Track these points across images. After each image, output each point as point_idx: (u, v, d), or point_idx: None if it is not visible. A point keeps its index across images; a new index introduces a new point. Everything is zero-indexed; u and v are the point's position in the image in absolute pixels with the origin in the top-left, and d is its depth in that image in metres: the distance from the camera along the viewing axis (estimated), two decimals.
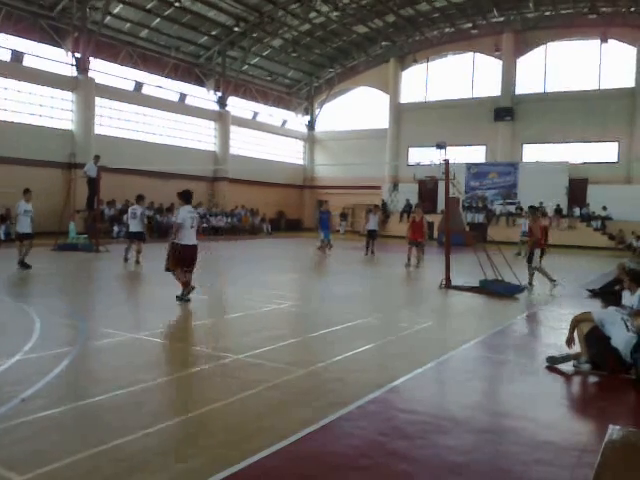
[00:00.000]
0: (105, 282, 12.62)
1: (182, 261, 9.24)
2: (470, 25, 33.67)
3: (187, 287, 9.21)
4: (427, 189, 30.90)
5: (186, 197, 9.55)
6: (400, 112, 37.28)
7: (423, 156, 33.42)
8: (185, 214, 9.27)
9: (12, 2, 23.39)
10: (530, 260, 12.32)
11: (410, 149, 36.79)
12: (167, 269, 9.38)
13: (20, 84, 23.94)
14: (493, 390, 5.68)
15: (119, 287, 11.78)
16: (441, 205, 29.42)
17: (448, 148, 28.99)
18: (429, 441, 4.07)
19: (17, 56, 23.92)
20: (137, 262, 14.51)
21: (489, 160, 34.05)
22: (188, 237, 9.28)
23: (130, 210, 15.57)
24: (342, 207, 37.02)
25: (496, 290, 11.02)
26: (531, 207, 13.59)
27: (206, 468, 3.50)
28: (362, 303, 10.32)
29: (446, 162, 12.34)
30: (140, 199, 15.17)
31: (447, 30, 34.99)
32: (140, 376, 5.26)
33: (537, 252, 12.36)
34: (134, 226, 14.99)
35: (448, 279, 11.86)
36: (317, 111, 41.35)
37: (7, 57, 23.67)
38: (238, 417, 4.40)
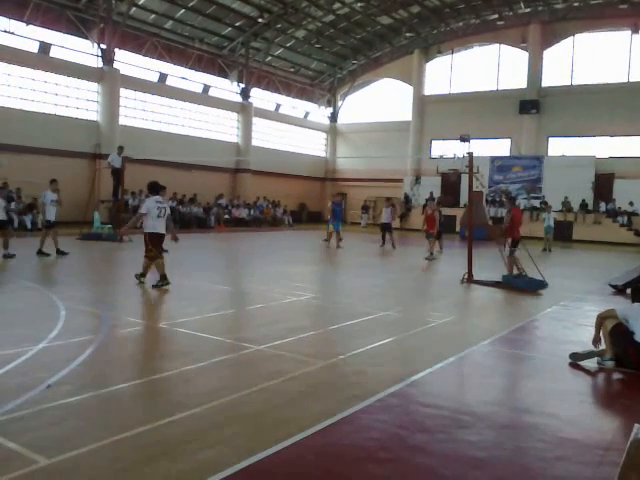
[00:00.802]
0: (128, 271, 12.74)
1: (157, 246, 9.80)
2: (496, 16, 33.17)
3: (145, 272, 9.85)
4: (450, 182, 30.56)
5: (152, 188, 10.14)
6: (424, 104, 36.96)
7: (446, 149, 33.09)
8: (150, 204, 9.85)
9: None
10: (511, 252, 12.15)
11: (433, 142, 36.47)
12: (151, 257, 9.78)
13: (47, 75, 24.25)
14: (514, 386, 5.63)
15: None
16: (464, 199, 29.15)
17: (472, 141, 28.68)
18: (449, 435, 4.06)
19: (44, 47, 24.24)
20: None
21: (513, 153, 33.60)
22: (154, 226, 9.80)
23: None
24: (364, 200, 36.91)
25: (519, 285, 10.90)
26: (510, 198, 13.74)
27: (227, 457, 3.54)
28: (382, 296, 10.29)
29: (470, 155, 12.21)
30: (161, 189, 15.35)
31: (472, 21, 34.51)
32: (162, 365, 5.33)
33: (508, 241, 12.21)
34: None
35: (470, 273, 11.77)
36: (340, 103, 41.20)
37: (35, 48, 24.00)
38: (259, 407, 4.42)
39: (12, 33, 23.18)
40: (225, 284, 11.18)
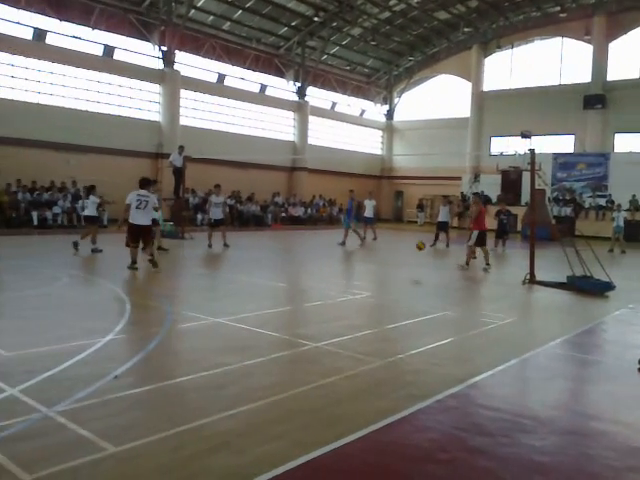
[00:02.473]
0: (190, 267, 13.11)
1: (131, 236, 10.96)
2: (558, 8, 32.06)
3: (134, 262, 11.03)
4: (510, 180, 29.88)
5: (140, 182, 11.29)
6: (482, 100, 36.18)
7: (506, 146, 32.30)
8: (131, 196, 10.96)
9: (106, 0, 24.59)
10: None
11: (492, 138, 35.63)
12: (126, 244, 11.02)
13: (111, 77, 25.16)
14: (580, 390, 5.43)
15: (203, 273, 12.17)
16: (525, 197, 28.36)
17: (533, 137, 27.95)
18: (511, 439, 3.95)
19: (108, 51, 25.16)
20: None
21: (577, 150, 32.40)
22: (134, 217, 10.90)
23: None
24: (420, 198, 36.48)
25: (584, 287, 10.51)
26: (474, 193, 15.22)
27: (286, 451, 3.58)
28: (440, 296, 10.14)
29: (531, 152, 11.87)
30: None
31: (533, 14, 33.50)
32: (223, 359, 5.43)
33: (475, 234, 13.36)
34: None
35: (532, 274, 11.43)
36: (396, 100, 40.86)
37: (100, 52, 24.94)
38: (318, 404, 4.45)
39: (79, 38, 24.17)
40: (282, 281, 11.29)
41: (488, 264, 13.44)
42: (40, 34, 22.84)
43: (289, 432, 3.89)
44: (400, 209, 40.20)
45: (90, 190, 14.79)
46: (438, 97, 38.53)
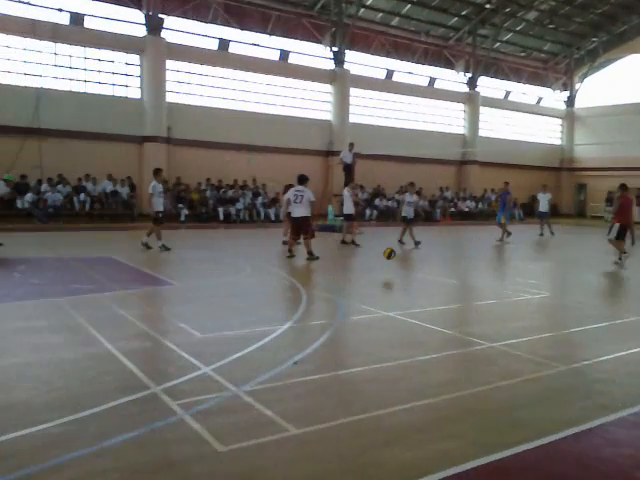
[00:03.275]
0: (361, 262, 13.37)
1: (293, 228, 12.27)
2: None
3: (290, 249, 12.35)
4: None
5: (298, 179, 12.28)
6: None
7: None
8: (290, 192, 12.24)
9: (282, 7, 26.01)
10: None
11: None
12: (307, 238, 12.09)
13: (286, 80, 26.56)
14: None
15: (373, 267, 12.32)
16: None
17: None
18: None
19: (284, 55, 26.58)
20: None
21: None
22: (292, 210, 12.09)
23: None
24: (607, 191, 33.28)
25: None
26: (621, 184, 13.78)
27: (462, 451, 3.48)
28: (632, 298, 9.17)
29: None
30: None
31: None
32: (395, 353, 5.46)
33: (616, 226, 12.70)
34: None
35: None
36: (577, 85, 37.70)
37: (276, 57, 26.44)
38: (495, 406, 4.27)
39: (258, 45, 25.87)
40: (452, 277, 11.03)
41: (620, 259, 12.66)
42: (224, 44, 24.86)
43: (466, 432, 3.78)
44: (583, 203, 37.09)
45: (288, 188, 15.86)
46: (627, 80, 34.76)
